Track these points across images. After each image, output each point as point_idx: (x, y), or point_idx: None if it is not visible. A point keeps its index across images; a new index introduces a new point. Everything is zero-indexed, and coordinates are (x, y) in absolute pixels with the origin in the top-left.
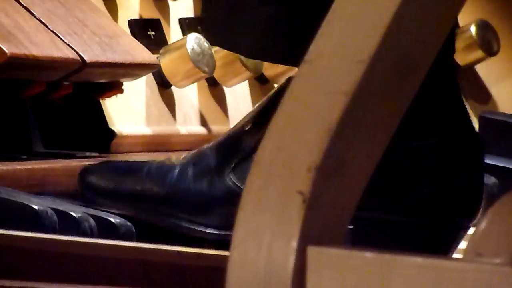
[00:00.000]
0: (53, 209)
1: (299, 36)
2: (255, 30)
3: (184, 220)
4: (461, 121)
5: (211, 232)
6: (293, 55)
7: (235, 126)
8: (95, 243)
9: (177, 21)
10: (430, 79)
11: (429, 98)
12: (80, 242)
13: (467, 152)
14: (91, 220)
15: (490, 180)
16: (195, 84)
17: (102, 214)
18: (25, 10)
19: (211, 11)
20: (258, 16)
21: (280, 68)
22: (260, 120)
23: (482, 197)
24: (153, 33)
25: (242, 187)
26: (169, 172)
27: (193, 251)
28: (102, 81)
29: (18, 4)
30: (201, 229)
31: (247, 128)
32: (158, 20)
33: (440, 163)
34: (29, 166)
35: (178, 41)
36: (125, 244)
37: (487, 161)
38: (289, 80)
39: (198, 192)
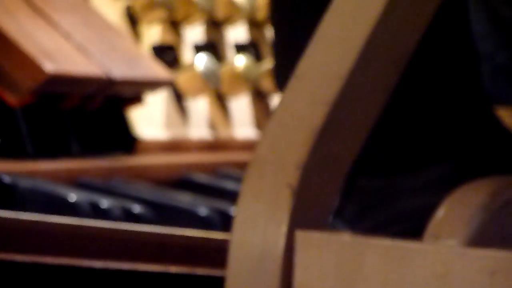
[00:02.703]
0: (87, 200)
1: None
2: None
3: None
4: (490, 141)
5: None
6: None
7: None
8: (121, 228)
9: (191, 45)
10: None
11: (449, 116)
12: (109, 228)
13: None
14: (119, 210)
15: None
16: (205, 96)
17: (127, 205)
18: (66, 35)
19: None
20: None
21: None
22: None
23: None
24: (171, 55)
25: None
26: None
27: (202, 235)
28: (127, 94)
29: (60, 30)
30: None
31: None
32: (174, 45)
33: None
34: (68, 165)
35: (191, 61)
36: (146, 229)
37: None
38: None
39: None
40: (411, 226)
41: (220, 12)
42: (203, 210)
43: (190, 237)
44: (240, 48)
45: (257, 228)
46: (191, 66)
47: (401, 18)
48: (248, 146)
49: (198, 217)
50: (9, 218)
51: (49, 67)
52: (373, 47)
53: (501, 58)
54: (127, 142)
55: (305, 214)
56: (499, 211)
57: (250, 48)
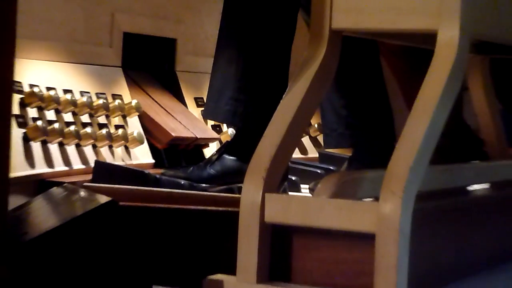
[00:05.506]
0: (190, 184)
1: (245, 117)
2: (224, 112)
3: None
4: None
5: (203, 185)
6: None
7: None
8: (199, 193)
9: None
10: None
11: None
12: (195, 193)
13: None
14: (201, 188)
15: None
16: None
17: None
18: (178, 120)
19: (209, 101)
20: (225, 108)
21: None
22: (218, 152)
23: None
24: (217, 128)
25: (213, 171)
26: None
27: (229, 195)
28: (202, 143)
29: (176, 118)
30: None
31: (214, 155)
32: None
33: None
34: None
35: (226, 130)
36: (208, 193)
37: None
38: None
39: (199, 174)
40: None
41: None
42: None
43: (226, 196)
44: None
45: (250, 193)
46: (226, 131)
47: (309, 104)
48: None
49: None
50: (161, 191)
51: (173, 133)
52: (297, 121)
53: (341, 129)
54: None
55: (269, 187)
56: (343, 184)
57: None
